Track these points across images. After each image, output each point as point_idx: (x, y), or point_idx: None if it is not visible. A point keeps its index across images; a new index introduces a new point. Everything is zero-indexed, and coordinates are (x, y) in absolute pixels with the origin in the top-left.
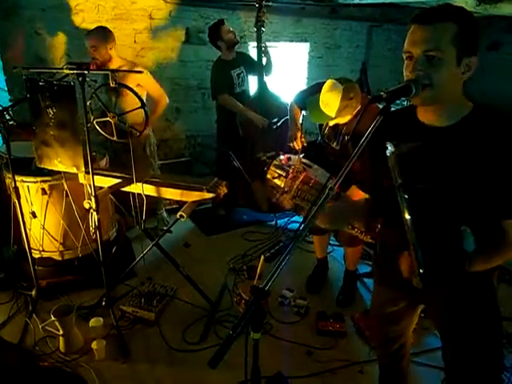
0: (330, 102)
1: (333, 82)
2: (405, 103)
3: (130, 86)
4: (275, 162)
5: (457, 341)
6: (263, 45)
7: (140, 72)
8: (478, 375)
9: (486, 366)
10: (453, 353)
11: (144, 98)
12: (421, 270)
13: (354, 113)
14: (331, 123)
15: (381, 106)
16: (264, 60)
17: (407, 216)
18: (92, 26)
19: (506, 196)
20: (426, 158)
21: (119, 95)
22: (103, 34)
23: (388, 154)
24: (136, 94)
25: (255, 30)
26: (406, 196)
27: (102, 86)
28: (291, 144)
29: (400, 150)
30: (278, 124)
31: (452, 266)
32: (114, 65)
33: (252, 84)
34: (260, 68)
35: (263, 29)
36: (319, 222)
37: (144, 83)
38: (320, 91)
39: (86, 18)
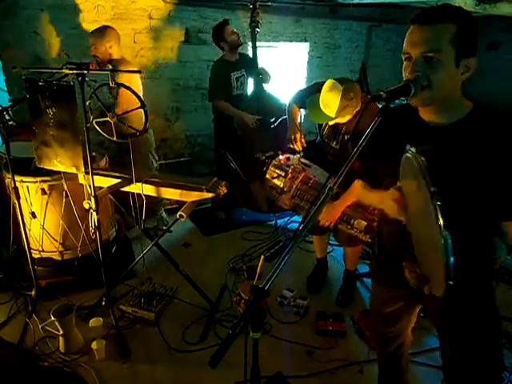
0: (330, 102)
1: (332, 83)
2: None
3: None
4: (274, 162)
5: (455, 340)
6: (261, 71)
7: (139, 72)
8: (477, 374)
9: (485, 365)
10: (451, 352)
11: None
12: (450, 283)
13: (354, 112)
14: (331, 123)
15: (380, 106)
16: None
17: (441, 222)
18: (91, 26)
19: (508, 196)
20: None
21: (115, 95)
22: (102, 32)
23: (409, 156)
24: (136, 94)
25: (249, 30)
26: (439, 203)
27: (102, 86)
28: (291, 145)
29: (424, 152)
30: (275, 124)
31: (481, 277)
32: (112, 62)
33: (251, 86)
34: (256, 69)
35: (258, 29)
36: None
37: (131, 85)
38: (319, 91)
39: (85, 17)
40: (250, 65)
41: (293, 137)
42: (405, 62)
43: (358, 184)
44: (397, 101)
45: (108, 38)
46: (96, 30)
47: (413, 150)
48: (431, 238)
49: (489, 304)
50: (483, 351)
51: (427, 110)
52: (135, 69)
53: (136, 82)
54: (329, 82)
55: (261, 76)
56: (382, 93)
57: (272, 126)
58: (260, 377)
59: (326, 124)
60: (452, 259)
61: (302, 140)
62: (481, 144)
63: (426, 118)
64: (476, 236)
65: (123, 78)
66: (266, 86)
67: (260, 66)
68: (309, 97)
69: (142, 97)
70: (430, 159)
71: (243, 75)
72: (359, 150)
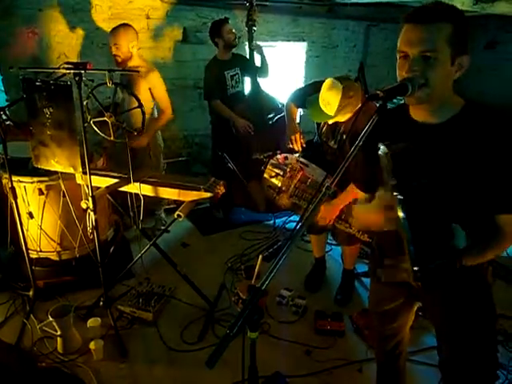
0: (330, 100)
1: (332, 81)
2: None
3: (142, 89)
4: (272, 161)
5: (452, 338)
6: (254, 45)
7: (137, 72)
8: (473, 371)
9: (481, 363)
10: (448, 349)
11: (151, 104)
12: (415, 268)
13: (354, 111)
14: (331, 122)
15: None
16: (259, 61)
17: (401, 214)
18: (89, 26)
19: (499, 191)
20: (419, 155)
21: (130, 95)
22: (127, 31)
23: (380, 154)
24: (134, 94)
25: (246, 29)
26: (400, 197)
27: (99, 85)
28: (291, 146)
29: (392, 149)
30: (273, 121)
31: (443, 264)
32: (133, 63)
33: (247, 85)
34: (252, 67)
35: (255, 28)
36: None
37: (154, 89)
38: (318, 90)
39: (83, 17)
40: (244, 63)
41: (292, 137)
42: (400, 60)
43: (354, 188)
44: (395, 100)
45: (132, 38)
46: (117, 28)
47: (382, 148)
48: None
49: (485, 300)
50: (479, 348)
51: (420, 108)
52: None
53: (163, 91)
54: (328, 81)
55: (256, 66)
56: (378, 92)
57: (270, 123)
58: (258, 377)
59: (325, 123)
60: (412, 248)
61: (302, 140)
62: (472, 141)
63: (418, 117)
64: (437, 225)
65: (152, 81)
66: (263, 86)
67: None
68: (307, 96)
69: (169, 106)
70: (409, 155)
71: (237, 73)
72: (356, 149)
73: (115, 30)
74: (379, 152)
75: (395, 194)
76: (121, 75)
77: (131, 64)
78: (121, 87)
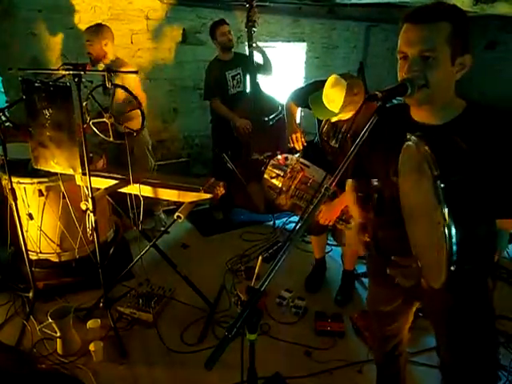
0: (334, 97)
1: (336, 78)
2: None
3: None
4: (273, 162)
5: (452, 339)
6: (254, 45)
7: (136, 72)
8: (474, 373)
9: (482, 364)
10: (448, 351)
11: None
12: (452, 268)
13: (356, 109)
14: (334, 119)
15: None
16: (261, 60)
17: (445, 210)
18: None
19: (501, 195)
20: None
21: (112, 95)
22: (98, 29)
23: (410, 144)
24: (132, 93)
25: (246, 30)
26: (443, 185)
27: (98, 86)
28: (291, 145)
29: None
30: (273, 122)
31: (481, 266)
32: (106, 62)
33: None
34: (252, 68)
35: (254, 29)
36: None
37: (127, 83)
38: (318, 89)
39: (82, 18)
40: (246, 63)
41: (293, 136)
42: (400, 61)
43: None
44: (394, 100)
45: (104, 36)
46: (91, 27)
47: (414, 137)
48: (431, 230)
49: (484, 302)
50: (479, 349)
51: (421, 110)
52: (132, 69)
53: (136, 82)
54: (332, 78)
55: (259, 64)
56: (377, 92)
57: (270, 123)
58: (257, 378)
59: (326, 123)
60: (455, 247)
61: (303, 139)
62: (473, 143)
63: (419, 118)
64: (478, 224)
65: (123, 80)
66: (263, 86)
67: (258, 45)
68: (307, 96)
69: (143, 100)
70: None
71: (239, 73)
72: (356, 149)
73: (89, 28)
74: (409, 142)
75: (438, 183)
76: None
77: (106, 62)
78: (114, 88)
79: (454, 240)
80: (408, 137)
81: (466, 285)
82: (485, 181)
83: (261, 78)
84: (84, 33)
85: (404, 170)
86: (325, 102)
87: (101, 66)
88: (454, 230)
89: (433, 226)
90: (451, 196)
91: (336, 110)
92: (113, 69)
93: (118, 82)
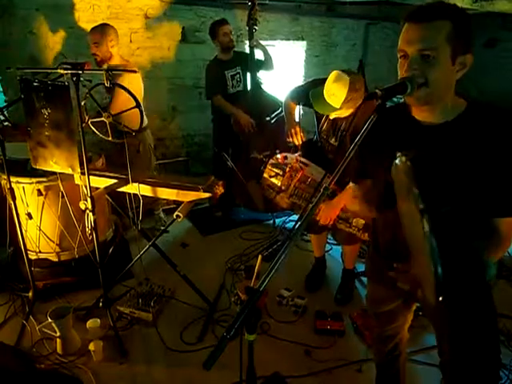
0: (336, 92)
1: (338, 73)
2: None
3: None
4: (272, 161)
5: (452, 337)
6: (255, 43)
7: (134, 71)
8: (474, 371)
9: (484, 363)
10: (449, 350)
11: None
12: (440, 298)
13: (356, 107)
14: (333, 115)
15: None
16: (262, 56)
17: (432, 242)
18: (87, 26)
19: (502, 193)
20: (428, 159)
21: (112, 95)
22: (105, 30)
23: (398, 164)
24: (131, 93)
25: (247, 28)
26: (428, 221)
27: (97, 85)
28: (290, 139)
29: (413, 162)
30: (272, 121)
31: (470, 295)
32: (113, 63)
33: (249, 84)
34: (252, 66)
35: (256, 27)
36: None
37: (131, 86)
38: (318, 87)
39: (81, 17)
40: (246, 61)
41: (292, 130)
42: (400, 60)
43: (350, 188)
44: (395, 99)
45: (111, 37)
46: (97, 27)
47: (402, 158)
48: (421, 244)
49: (485, 300)
50: (480, 348)
51: (421, 109)
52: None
53: (138, 83)
54: (335, 73)
55: (260, 60)
56: (377, 91)
57: (270, 122)
58: (256, 378)
59: (325, 120)
60: (440, 271)
61: (301, 133)
62: (476, 142)
63: (420, 117)
64: (467, 251)
65: (124, 81)
66: (263, 85)
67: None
68: (306, 94)
69: (140, 98)
70: (420, 165)
71: (238, 73)
72: (355, 148)
73: (94, 28)
74: (396, 161)
75: (421, 206)
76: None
77: (111, 63)
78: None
79: (439, 274)
80: (397, 155)
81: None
82: (476, 190)
83: (262, 75)
84: (89, 34)
85: (397, 182)
86: (326, 97)
87: (105, 67)
88: (439, 267)
89: (423, 250)
90: (437, 229)
91: (337, 106)
92: (122, 73)
93: (123, 83)
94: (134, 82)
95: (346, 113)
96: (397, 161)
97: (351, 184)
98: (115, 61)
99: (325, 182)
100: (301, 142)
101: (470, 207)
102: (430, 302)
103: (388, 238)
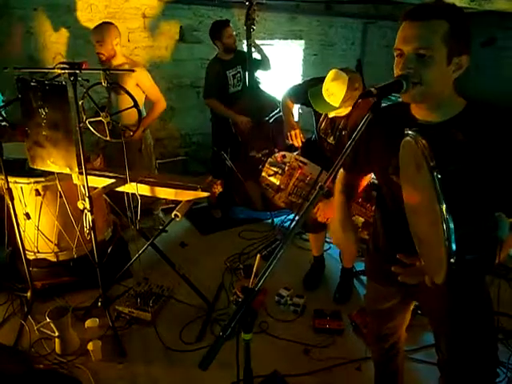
0: (335, 91)
1: (337, 72)
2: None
3: (130, 86)
4: (270, 160)
5: (450, 336)
6: (252, 44)
7: (132, 71)
8: (473, 369)
9: (481, 360)
10: (446, 348)
11: (143, 100)
12: (452, 260)
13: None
14: (331, 114)
15: None
16: (259, 56)
17: (442, 200)
18: (85, 25)
19: (500, 194)
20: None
21: (118, 94)
22: (109, 29)
23: (409, 139)
24: (128, 92)
25: (245, 28)
26: (440, 176)
27: (94, 85)
28: (290, 142)
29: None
30: (271, 120)
31: (483, 256)
32: (117, 61)
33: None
34: (250, 65)
35: (254, 26)
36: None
37: (142, 84)
38: (316, 86)
39: (78, 17)
40: (245, 60)
41: (292, 132)
42: (396, 59)
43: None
44: (392, 97)
45: (115, 35)
46: (100, 26)
47: (412, 132)
48: (432, 224)
49: (482, 298)
50: (478, 346)
51: (420, 107)
52: (144, 69)
53: (150, 84)
54: (333, 72)
55: (258, 60)
56: (372, 89)
57: (269, 122)
58: (252, 378)
59: (324, 119)
60: (453, 236)
61: (301, 136)
62: (474, 140)
63: (419, 115)
64: (477, 213)
65: (138, 77)
66: (262, 84)
67: (257, 44)
68: (304, 93)
69: (161, 97)
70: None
71: (239, 72)
72: (351, 146)
73: (98, 27)
74: (408, 137)
75: (435, 174)
76: (107, 75)
77: (115, 62)
78: (109, 87)
79: (451, 229)
80: (406, 132)
81: (465, 280)
82: (483, 172)
83: (260, 74)
84: (92, 33)
85: (404, 167)
86: (325, 96)
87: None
88: (451, 221)
89: (433, 219)
90: (449, 186)
91: (336, 104)
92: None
93: (131, 82)
94: (147, 77)
95: (344, 111)
96: (408, 137)
97: (341, 170)
98: (118, 59)
99: (320, 180)
100: (300, 144)
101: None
102: (430, 293)
103: (390, 235)
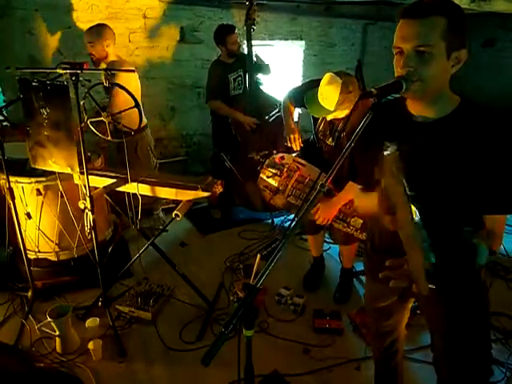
0: (329, 95)
1: (331, 76)
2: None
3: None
4: (269, 161)
5: (445, 333)
6: (255, 59)
7: (133, 71)
8: (467, 367)
9: (475, 358)
10: (441, 345)
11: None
12: (433, 286)
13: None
14: (329, 117)
15: None
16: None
17: (422, 230)
18: (86, 26)
19: (494, 190)
20: (418, 151)
21: (111, 94)
22: (100, 30)
23: (388, 154)
24: (129, 93)
25: (245, 28)
26: (419, 205)
27: (96, 85)
28: (289, 145)
29: (400, 149)
30: (270, 120)
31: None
32: (108, 61)
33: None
34: (250, 67)
35: (254, 27)
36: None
37: (126, 85)
38: (314, 88)
39: (79, 17)
40: (246, 63)
41: (291, 136)
42: (396, 57)
43: (353, 186)
44: (390, 97)
45: (106, 37)
46: (92, 27)
47: (391, 148)
48: (411, 234)
49: (478, 296)
50: (472, 344)
51: (416, 103)
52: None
53: (135, 82)
54: (327, 76)
55: (258, 64)
56: (372, 89)
57: (269, 121)
58: (253, 375)
59: (322, 121)
60: (433, 260)
61: (299, 140)
62: (468, 138)
63: (415, 111)
64: (455, 238)
65: (121, 79)
66: (262, 85)
67: (255, 54)
68: (304, 93)
69: (139, 97)
70: (409, 157)
71: (240, 75)
72: (351, 146)
73: (90, 29)
74: (386, 152)
75: (408, 192)
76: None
77: (107, 62)
78: (108, 87)
79: (425, 238)
80: (386, 145)
81: (459, 280)
82: (467, 187)
83: (260, 77)
84: (85, 34)
85: (385, 169)
86: (320, 100)
87: (102, 66)
88: (424, 231)
89: (414, 239)
90: (425, 214)
91: (331, 108)
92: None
93: (117, 81)
94: (132, 81)
95: (341, 114)
96: (386, 152)
97: (350, 182)
98: (110, 60)
99: (320, 179)
100: (298, 148)
101: (459, 203)
102: (423, 295)
103: (383, 235)
